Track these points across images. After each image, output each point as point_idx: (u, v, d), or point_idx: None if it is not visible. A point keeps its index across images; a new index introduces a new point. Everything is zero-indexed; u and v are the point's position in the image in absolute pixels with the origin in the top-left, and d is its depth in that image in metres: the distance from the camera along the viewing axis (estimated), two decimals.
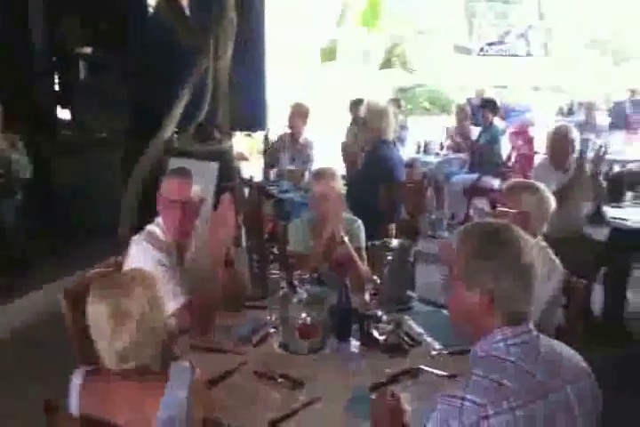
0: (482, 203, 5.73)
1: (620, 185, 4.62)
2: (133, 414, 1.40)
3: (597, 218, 3.91)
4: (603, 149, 4.04)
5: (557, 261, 2.26)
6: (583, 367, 1.39)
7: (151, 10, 5.54)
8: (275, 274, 2.20)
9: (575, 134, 4.03)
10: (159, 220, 2.26)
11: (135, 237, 2.23)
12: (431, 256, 3.67)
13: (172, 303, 1.98)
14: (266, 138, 5.45)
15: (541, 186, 2.39)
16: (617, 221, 3.73)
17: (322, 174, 2.75)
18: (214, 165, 4.57)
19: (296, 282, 2.12)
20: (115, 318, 1.40)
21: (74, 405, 1.46)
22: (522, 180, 2.66)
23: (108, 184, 4.98)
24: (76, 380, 1.46)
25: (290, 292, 2.03)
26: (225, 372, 1.80)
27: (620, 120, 7.44)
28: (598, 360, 3.09)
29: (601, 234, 3.93)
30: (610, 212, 3.88)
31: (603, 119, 7.71)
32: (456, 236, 1.45)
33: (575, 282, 2.27)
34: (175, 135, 5.13)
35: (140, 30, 5.32)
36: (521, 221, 2.11)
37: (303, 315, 1.92)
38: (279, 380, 1.76)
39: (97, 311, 1.43)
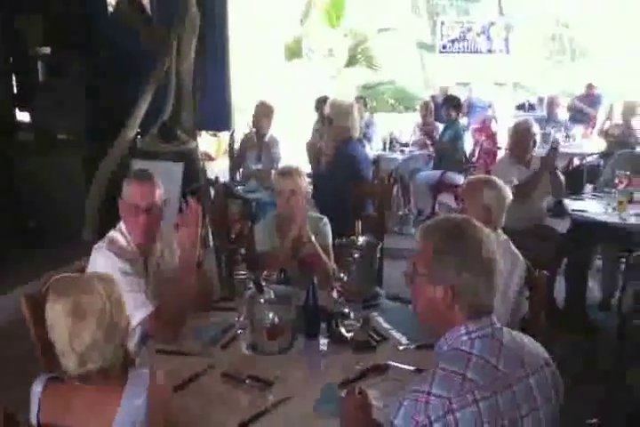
0: (447, 198, 5.81)
1: (580, 178, 4.75)
2: (94, 419, 1.37)
3: (558, 210, 4.00)
4: (555, 143, 4.14)
5: (519, 253, 2.31)
6: (544, 357, 1.43)
7: (111, 9, 5.45)
8: (242, 275, 2.18)
9: (535, 129, 4.12)
10: (121, 225, 2.18)
11: (97, 246, 2.14)
12: (398, 252, 3.72)
13: (139, 313, 1.95)
14: (231, 137, 5.42)
15: (499, 180, 2.45)
16: (577, 213, 3.82)
17: (287, 172, 2.75)
18: (179, 166, 4.53)
19: (263, 282, 2.11)
20: (74, 316, 1.36)
21: (34, 414, 1.43)
22: (480, 175, 2.73)
23: (71, 186, 4.89)
24: (37, 388, 1.43)
25: (257, 292, 2.02)
26: (192, 375, 1.79)
27: (579, 115, 7.62)
28: (561, 349, 3.20)
29: (562, 226, 4.03)
30: (570, 204, 3.97)
31: (563, 114, 7.89)
32: (418, 233, 1.47)
33: (537, 274, 2.32)
34: (138, 136, 5.07)
35: (101, 30, 5.22)
36: (482, 215, 2.17)
37: (270, 315, 1.92)
38: (247, 381, 1.75)
39: (55, 310, 1.39)
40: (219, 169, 6.02)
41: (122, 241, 2.15)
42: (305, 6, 12.30)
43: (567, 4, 13.80)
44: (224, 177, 5.06)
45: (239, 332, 2.03)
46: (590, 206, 3.91)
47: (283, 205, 2.71)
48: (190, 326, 2.09)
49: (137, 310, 1.92)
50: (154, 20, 5.25)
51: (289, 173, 2.73)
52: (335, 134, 3.83)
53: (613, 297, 3.93)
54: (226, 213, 3.58)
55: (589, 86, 8.33)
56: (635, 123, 5.88)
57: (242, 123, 6.14)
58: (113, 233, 2.18)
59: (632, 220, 3.65)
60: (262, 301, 1.98)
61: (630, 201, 3.81)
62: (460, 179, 5.83)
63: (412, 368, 1.86)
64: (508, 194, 2.43)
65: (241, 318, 2.04)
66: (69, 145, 5.12)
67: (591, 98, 8.02)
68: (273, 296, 2.00)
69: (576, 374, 2.75)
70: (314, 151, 5.40)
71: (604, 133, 6.40)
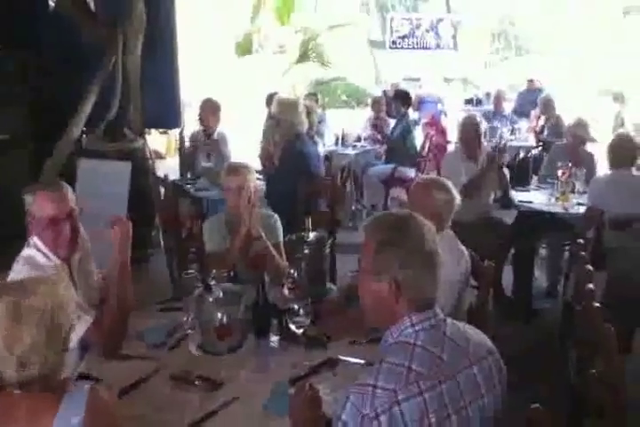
0: (399, 192, 5.89)
1: (526, 170, 4.90)
2: None
3: (505, 202, 4.11)
4: (503, 141, 4.25)
5: (464, 248, 2.36)
6: (488, 347, 1.46)
7: (52, 4, 5.27)
8: (192, 274, 2.15)
9: (483, 123, 4.22)
10: (35, 242, 1.97)
11: (15, 268, 1.95)
12: (351, 247, 3.74)
13: (79, 326, 1.86)
14: (181, 135, 5.33)
15: (447, 182, 2.48)
16: (523, 204, 3.94)
17: (235, 169, 2.73)
18: (127, 165, 4.42)
19: (212, 281, 2.09)
20: (14, 317, 1.29)
21: None
22: (429, 177, 2.76)
23: (16, 187, 4.70)
24: None
25: (205, 291, 2.00)
26: (139, 379, 1.76)
27: (524, 109, 7.84)
28: (507, 336, 3.30)
29: (509, 217, 4.14)
30: (516, 196, 4.09)
31: (509, 108, 8.10)
32: (363, 229, 1.48)
33: (483, 265, 2.38)
34: (84, 135, 4.93)
35: (43, 27, 5.05)
36: (431, 218, 2.18)
37: (219, 315, 1.90)
38: (197, 382, 1.73)
39: None
40: (169, 167, 5.92)
41: (41, 260, 1.96)
42: (255, 3, 12.21)
43: (512, 1, 14.15)
44: (175, 175, 4.99)
45: (188, 332, 2.00)
46: (535, 197, 4.04)
47: (232, 202, 2.68)
48: (136, 328, 2.04)
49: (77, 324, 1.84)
50: (97, 17, 5.10)
51: (237, 169, 2.71)
52: (283, 131, 3.83)
53: (559, 284, 4.06)
54: (176, 211, 3.52)
55: (530, 81, 8.61)
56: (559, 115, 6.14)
57: (193, 120, 6.05)
58: (28, 251, 1.98)
59: (574, 209, 3.79)
60: (211, 300, 1.95)
61: (572, 191, 3.95)
62: (411, 173, 5.92)
63: (362, 362, 1.88)
64: (457, 195, 2.44)
65: (189, 319, 2.01)
66: (13, 146, 4.94)
67: (532, 92, 8.27)
68: (221, 295, 1.98)
69: (521, 359, 2.85)
70: (264, 148, 5.37)
71: (532, 129, 6.67)
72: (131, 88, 4.98)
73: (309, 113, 4.60)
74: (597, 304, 2.02)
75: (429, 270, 1.39)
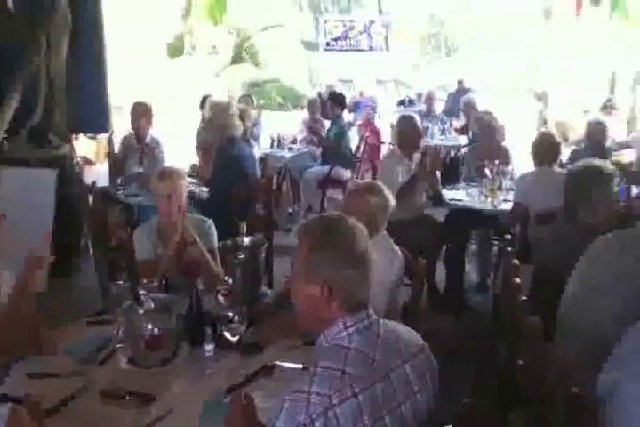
0: (336, 193, 5.93)
1: (456, 169, 5.04)
2: None
3: (437, 200, 4.23)
4: (436, 150, 4.38)
5: (397, 249, 2.40)
6: (419, 344, 1.48)
7: None
8: (121, 285, 2.08)
9: (420, 124, 4.31)
10: None
11: None
12: (289, 250, 3.73)
13: None
14: (110, 140, 5.17)
15: (382, 186, 2.51)
16: (453, 202, 4.06)
17: (166, 174, 2.66)
18: (52, 173, 4.24)
19: (142, 291, 2.03)
20: None
21: None
22: (363, 182, 2.78)
23: None
24: None
25: (135, 302, 1.94)
26: (66, 397, 1.68)
27: (454, 109, 8.07)
28: (440, 330, 3.37)
29: (441, 215, 4.25)
30: (447, 194, 4.22)
31: (440, 109, 8.32)
32: (296, 233, 1.48)
33: (416, 262, 2.43)
34: (5, 141, 4.69)
35: None
36: (366, 222, 2.20)
37: (150, 326, 1.84)
38: (128, 398, 1.67)
39: None
40: (100, 173, 5.73)
41: None
42: (186, 3, 12.00)
43: (441, 3, 14.55)
44: (104, 182, 4.83)
45: (118, 346, 1.93)
46: (464, 195, 4.16)
47: (162, 209, 2.62)
48: (64, 343, 1.95)
49: None
50: (16, 16, 4.87)
51: (166, 175, 2.65)
52: (216, 135, 3.78)
53: (488, 278, 4.21)
54: (105, 220, 3.41)
55: (460, 82, 8.88)
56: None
57: (123, 124, 5.87)
58: None
59: (502, 206, 3.94)
60: (141, 311, 1.89)
61: (500, 188, 4.11)
62: (347, 174, 5.98)
63: (299, 366, 1.87)
64: (391, 199, 2.47)
65: (119, 332, 1.94)
66: None
67: (462, 93, 8.53)
68: (152, 306, 1.92)
69: (454, 353, 2.93)
70: (200, 151, 5.28)
71: (455, 129, 6.90)
72: (56, 91, 4.79)
73: (243, 116, 4.56)
74: (524, 297, 2.10)
75: (361, 272, 1.40)
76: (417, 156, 4.10)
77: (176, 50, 11.96)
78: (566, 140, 5.53)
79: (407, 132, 4.13)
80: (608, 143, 5.04)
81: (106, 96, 5.29)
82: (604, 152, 4.58)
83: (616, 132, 6.08)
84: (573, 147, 5.39)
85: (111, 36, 5.45)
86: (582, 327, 1.96)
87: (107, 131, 5.39)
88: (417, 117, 4.33)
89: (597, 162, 2.58)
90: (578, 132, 5.76)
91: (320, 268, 1.39)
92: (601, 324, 1.88)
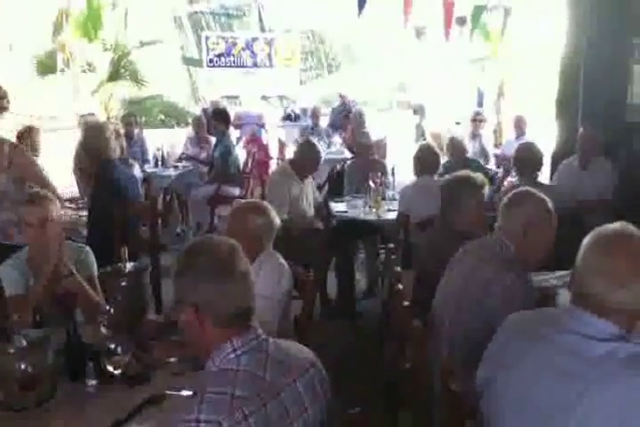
0: (225, 211, 5.84)
1: (341, 182, 5.17)
2: None
3: (325, 213, 4.34)
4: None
5: (285, 264, 2.41)
6: (309, 359, 1.48)
7: None
8: None
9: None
10: None
11: None
12: None
13: None
14: None
15: (265, 205, 2.51)
16: (340, 214, 4.19)
17: (34, 200, 2.47)
18: None
19: (13, 329, 1.87)
20: None
21: None
22: (246, 202, 2.74)
23: None
24: None
25: (5, 341, 1.78)
26: None
27: (338, 123, 8.31)
28: (333, 339, 3.43)
29: (329, 227, 4.34)
30: (334, 206, 4.34)
31: (325, 123, 8.53)
32: None
33: (304, 276, 2.45)
34: None
35: None
36: (251, 243, 2.18)
37: (22, 365, 1.70)
38: None
39: None
40: None
41: None
42: (57, 18, 11.38)
43: (318, 20, 14.96)
44: None
45: None
46: (350, 207, 4.30)
47: (33, 237, 2.42)
48: None
49: None
50: None
51: (35, 200, 2.46)
52: (92, 158, 3.60)
53: (377, 285, 4.35)
54: None
55: (341, 96, 9.18)
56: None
57: None
58: None
59: (386, 216, 4.10)
60: (11, 351, 1.75)
61: (384, 198, 4.28)
62: (235, 191, 5.94)
63: (190, 393, 1.80)
64: (275, 217, 2.46)
65: None
66: None
67: (344, 107, 8.81)
68: (24, 343, 1.78)
69: (345, 361, 2.98)
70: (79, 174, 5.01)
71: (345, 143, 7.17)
72: None
73: (118, 136, 4.39)
74: (407, 303, 2.19)
75: (222, 283, 1.37)
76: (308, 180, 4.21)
77: (47, 67, 11.29)
78: (442, 149, 5.86)
79: (309, 160, 4.25)
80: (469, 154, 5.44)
81: None
82: (467, 163, 4.91)
83: (485, 141, 6.54)
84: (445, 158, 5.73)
85: None
86: (452, 328, 2.08)
87: None
88: (318, 146, 4.44)
89: (468, 173, 2.73)
90: None
91: (185, 291, 1.40)
92: (467, 324, 2.01)
